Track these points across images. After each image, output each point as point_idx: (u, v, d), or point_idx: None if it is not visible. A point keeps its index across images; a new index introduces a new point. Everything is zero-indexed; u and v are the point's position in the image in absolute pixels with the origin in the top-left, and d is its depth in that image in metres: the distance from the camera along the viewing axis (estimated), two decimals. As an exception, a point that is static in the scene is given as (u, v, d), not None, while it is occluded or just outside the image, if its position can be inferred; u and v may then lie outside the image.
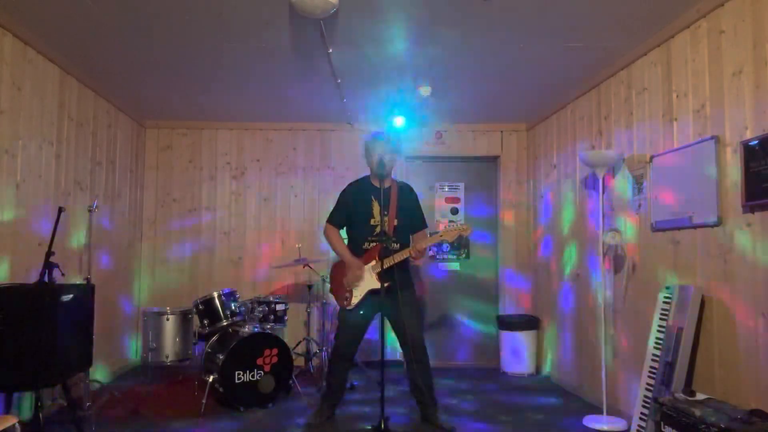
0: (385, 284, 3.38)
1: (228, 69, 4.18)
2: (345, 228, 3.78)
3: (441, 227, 5.65)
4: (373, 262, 3.51)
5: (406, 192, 3.75)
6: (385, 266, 3.42)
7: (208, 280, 5.60)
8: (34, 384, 2.95)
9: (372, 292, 3.52)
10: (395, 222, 3.60)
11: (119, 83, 4.50)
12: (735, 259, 2.78)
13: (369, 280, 3.54)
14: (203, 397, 3.92)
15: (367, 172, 3.77)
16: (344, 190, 3.78)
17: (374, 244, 3.57)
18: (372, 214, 3.61)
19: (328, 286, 3.95)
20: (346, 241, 3.75)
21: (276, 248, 5.69)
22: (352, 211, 3.68)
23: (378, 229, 3.56)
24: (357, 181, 3.80)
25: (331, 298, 3.75)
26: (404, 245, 3.61)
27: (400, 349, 3.87)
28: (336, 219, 3.72)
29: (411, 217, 3.71)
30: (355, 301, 3.55)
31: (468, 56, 3.90)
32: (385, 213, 3.57)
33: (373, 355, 5.36)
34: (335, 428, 3.61)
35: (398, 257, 3.44)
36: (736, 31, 2.79)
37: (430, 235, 3.71)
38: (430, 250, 5.62)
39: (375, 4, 3.12)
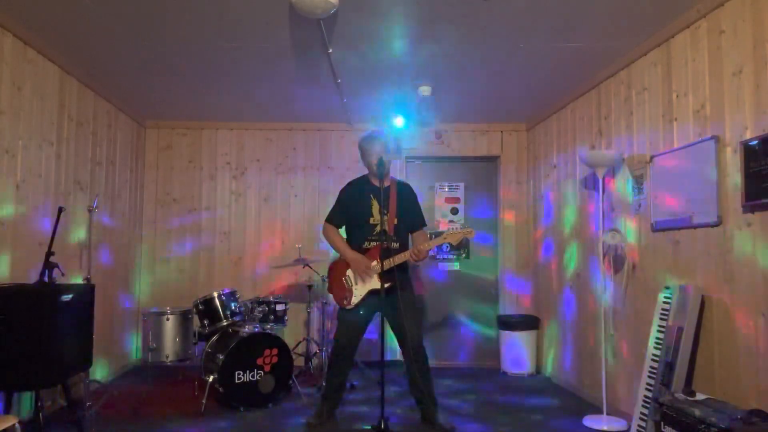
0: (386, 285, 3.37)
1: (228, 69, 4.18)
2: (344, 228, 3.77)
3: (442, 227, 5.67)
4: (374, 263, 3.50)
5: (405, 191, 3.74)
6: (386, 267, 3.41)
7: (208, 280, 5.60)
8: (34, 384, 2.95)
9: (372, 293, 3.52)
10: (395, 221, 3.59)
11: (119, 83, 4.50)
12: (735, 259, 2.77)
13: (370, 280, 3.53)
14: (203, 397, 3.92)
15: (366, 171, 3.76)
16: (343, 189, 3.77)
17: (374, 243, 3.56)
18: (371, 214, 3.60)
19: (328, 285, 3.93)
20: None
21: (276, 248, 5.69)
22: (351, 210, 3.67)
23: (378, 229, 3.55)
24: (356, 180, 3.79)
25: (331, 298, 3.74)
26: (404, 245, 3.61)
27: (399, 349, 3.86)
28: (335, 218, 3.71)
29: (410, 216, 3.70)
30: (355, 300, 3.55)
31: (468, 56, 3.90)
32: (385, 212, 3.55)
33: (373, 355, 5.36)
34: (335, 428, 3.61)
35: (398, 259, 3.44)
36: (736, 31, 2.79)
37: (435, 236, 3.70)
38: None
39: (375, 3, 3.12)
